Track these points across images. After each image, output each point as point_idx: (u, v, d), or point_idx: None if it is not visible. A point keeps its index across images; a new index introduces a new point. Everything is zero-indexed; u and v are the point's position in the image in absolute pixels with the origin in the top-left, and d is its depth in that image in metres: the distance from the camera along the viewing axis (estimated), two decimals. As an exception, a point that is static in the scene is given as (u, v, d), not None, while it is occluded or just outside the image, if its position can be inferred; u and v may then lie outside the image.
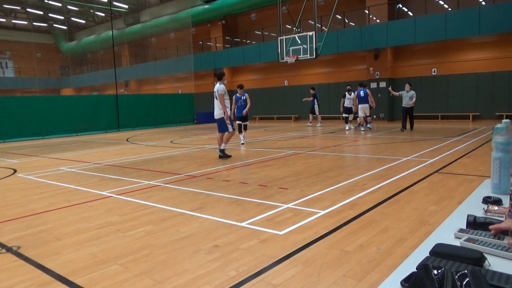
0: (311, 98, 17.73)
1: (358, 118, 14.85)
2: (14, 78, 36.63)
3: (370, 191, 5.01)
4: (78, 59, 40.65)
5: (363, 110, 14.24)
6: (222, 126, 8.51)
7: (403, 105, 13.19)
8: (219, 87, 8.36)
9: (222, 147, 8.55)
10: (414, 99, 12.92)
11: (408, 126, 13.48)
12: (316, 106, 17.53)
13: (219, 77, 8.48)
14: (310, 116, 18.05)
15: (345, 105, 15.66)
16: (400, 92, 13.32)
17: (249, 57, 24.08)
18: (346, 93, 15.81)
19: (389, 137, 11.86)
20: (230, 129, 8.57)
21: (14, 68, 37.99)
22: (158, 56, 31.39)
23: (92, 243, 3.52)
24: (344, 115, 15.73)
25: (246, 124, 11.57)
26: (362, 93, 14.15)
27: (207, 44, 28.88)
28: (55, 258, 3.19)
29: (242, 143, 11.12)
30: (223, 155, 8.53)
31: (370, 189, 5.14)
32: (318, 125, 17.58)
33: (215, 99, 8.45)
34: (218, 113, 8.48)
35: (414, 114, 13.49)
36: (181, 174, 6.81)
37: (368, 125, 14.73)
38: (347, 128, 15.31)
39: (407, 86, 13.11)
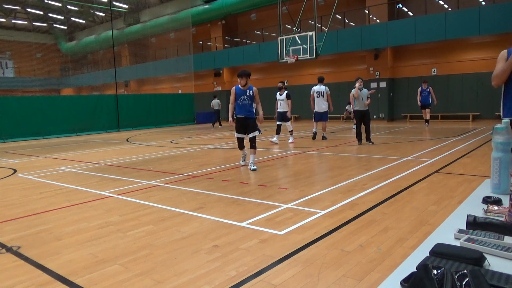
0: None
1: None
2: (14, 78, 36.59)
3: (370, 191, 5.01)
4: (78, 59, 40.63)
5: None
6: (325, 117, 11.33)
7: (356, 109, 10.07)
8: (327, 88, 11.20)
9: (324, 134, 11.61)
10: (369, 100, 10.10)
11: (365, 136, 10.19)
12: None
13: (322, 80, 11.27)
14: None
15: (278, 110, 11.12)
16: (358, 91, 9.78)
17: (249, 57, 24.07)
18: (278, 92, 11.11)
19: (389, 137, 11.86)
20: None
21: (14, 68, 37.95)
22: (158, 56, 31.39)
23: (92, 243, 3.52)
24: (277, 122, 11.18)
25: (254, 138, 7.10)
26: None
27: (207, 44, 28.88)
28: (55, 258, 3.19)
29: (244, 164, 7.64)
30: (325, 138, 11.52)
31: (370, 189, 5.14)
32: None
33: (320, 96, 11.12)
34: (323, 107, 11.18)
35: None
36: (181, 174, 6.81)
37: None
38: (275, 139, 10.94)
39: (359, 82, 9.84)
